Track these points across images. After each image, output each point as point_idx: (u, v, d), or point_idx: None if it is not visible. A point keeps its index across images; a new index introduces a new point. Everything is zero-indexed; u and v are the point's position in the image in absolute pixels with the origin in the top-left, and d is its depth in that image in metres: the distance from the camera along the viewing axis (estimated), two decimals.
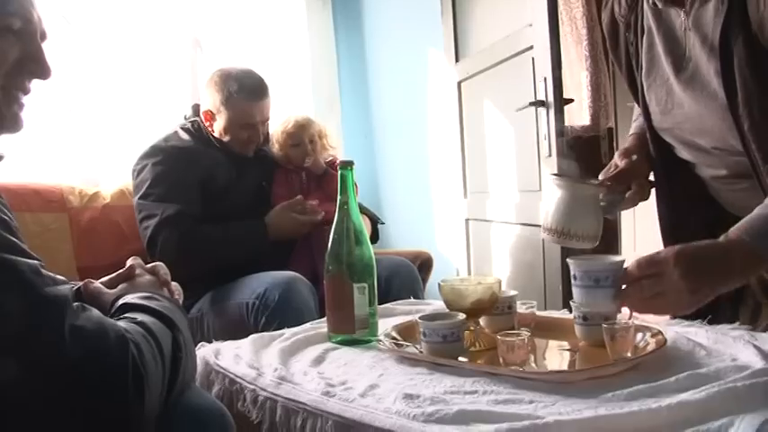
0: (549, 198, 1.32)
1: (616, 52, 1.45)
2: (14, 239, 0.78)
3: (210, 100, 2.27)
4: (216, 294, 2.11)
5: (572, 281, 1.16)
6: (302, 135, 2.35)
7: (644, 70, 1.37)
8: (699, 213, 1.40)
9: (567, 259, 1.18)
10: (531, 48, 2.32)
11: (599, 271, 1.12)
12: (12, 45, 0.89)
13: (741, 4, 1.10)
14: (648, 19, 1.32)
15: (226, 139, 2.26)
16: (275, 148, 2.38)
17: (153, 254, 2.05)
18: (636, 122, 1.54)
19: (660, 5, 1.26)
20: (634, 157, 1.41)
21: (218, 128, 2.27)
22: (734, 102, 1.14)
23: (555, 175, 1.33)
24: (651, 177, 1.46)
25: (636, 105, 1.50)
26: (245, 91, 2.23)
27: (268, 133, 2.36)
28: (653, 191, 1.44)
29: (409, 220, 3.34)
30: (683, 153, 1.36)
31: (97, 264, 2.28)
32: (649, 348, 1.12)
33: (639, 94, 1.41)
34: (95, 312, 0.81)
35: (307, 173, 2.35)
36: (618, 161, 1.42)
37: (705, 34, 1.19)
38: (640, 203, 1.43)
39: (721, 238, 1.05)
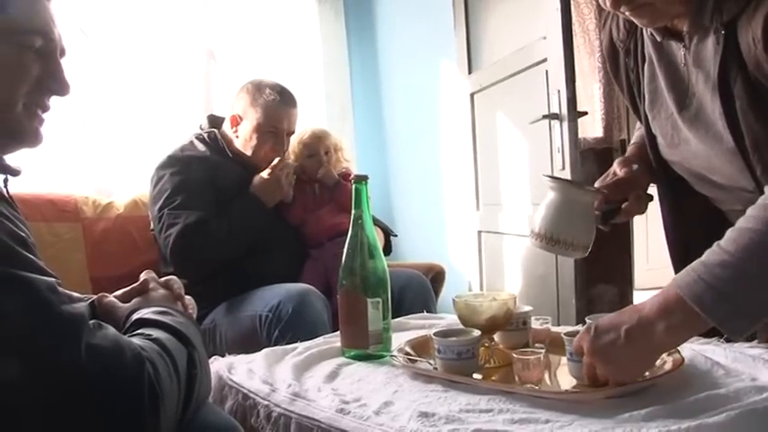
0: (542, 202, 1.27)
1: (617, 77, 1.38)
2: (31, 256, 0.78)
3: (240, 104, 2.30)
4: (229, 305, 2.11)
5: None
6: (318, 146, 2.38)
7: (647, 101, 1.30)
8: (712, 228, 1.34)
9: (562, 335, 1.16)
10: (545, 60, 2.32)
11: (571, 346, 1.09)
12: (33, 62, 0.89)
13: (736, 42, 1.04)
14: (648, 47, 1.25)
15: (251, 144, 2.27)
16: (290, 158, 2.40)
17: (175, 262, 2.07)
18: (639, 132, 1.47)
19: (659, 38, 1.20)
20: (635, 166, 1.33)
21: (243, 132, 2.28)
22: (742, 145, 1.08)
23: (549, 176, 1.27)
24: (650, 191, 1.39)
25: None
26: (276, 95, 2.27)
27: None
28: (650, 205, 1.37)
29: (421, 231, 3.33)
30: (696, 186, 1.29)
31: (110, 274, 2.30)
32: (666, 367, 1.10)
33: (644, 122, 1.34)
34: (111, 330, 0.81)
35: (320, 184, 2.36)
36: (617, 169, 1.35)
37: (707, 71, 1.12)
38: (652, 218, 1.39)
39: (659, 293, 0.98)
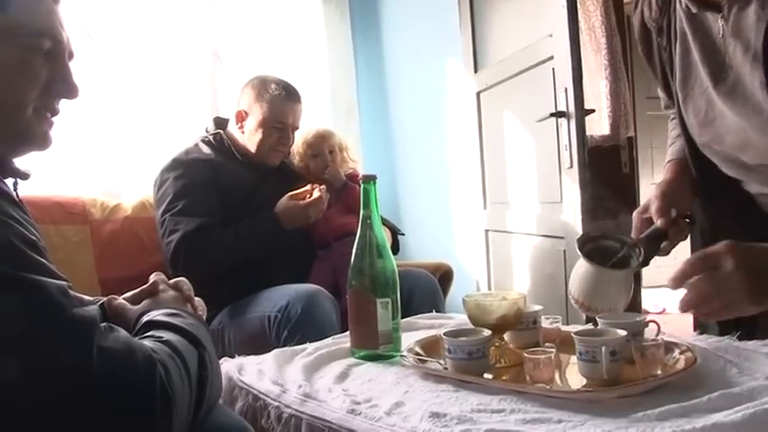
0: (578, 267, 1.28)
1: (650, 59, 1.34)
2: (42, 260, 0.78)
3: (246, 99, 2.30)
4: (237, 307, 2.12)
5: None
6: (322, 145, 2.39)
7: (679, 78, 1.26)
8: (747, 231, 1.26)
9: (573, 334, 1.14)
10: (552, 58, 2.31)
11: (582, 345, 1.09)
12: (41, 66, 0.89)
13: None
14: (682, 22, 1.22)
15: (256, 139, 2.27)
16: (296, 159, 2.40)
17: (175, 268, 2.06)
18: (672, 146, 1.43)
19: (694, 10, 1.15)
20: (673, 212, 1.28)
21: (248, 127, 2.28)
22: None
23: (585, 257, 1.26)
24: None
25: (670, 123, 1.43)
26: (282, 90, 2.29)
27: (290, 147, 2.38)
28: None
29: (429, 231, 3.33)
30: (726, 169, 1.27)
31: (118, 276, 2.29)
32: (679, 366, 1.10)
33: (676, 104, 1.30)
34: (123, 333, 0.81)
35: (327, 185, 2.35)
36: (655, 216, 1.30)
37: (747, 41, 1.08)
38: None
39: None
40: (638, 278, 2.98)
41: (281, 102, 2.27)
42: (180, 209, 2.12)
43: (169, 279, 1.16)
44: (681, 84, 1.26)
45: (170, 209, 2.13)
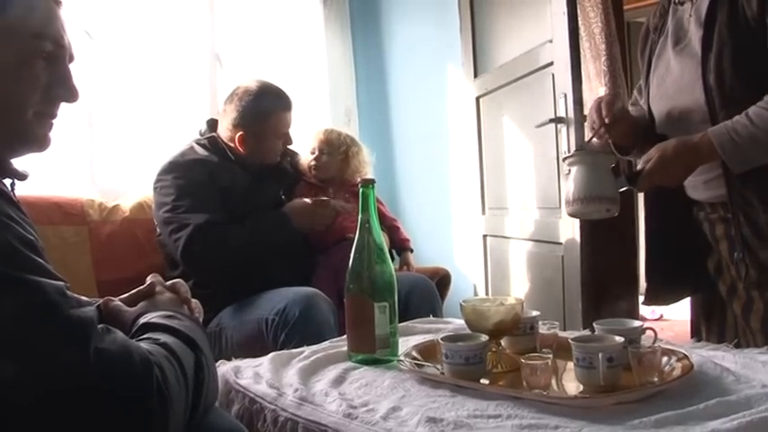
0: (568, 179, 1.52)
1: (642, 53, 1.72)
2: (40, 260, 0.78)
3: (242, 119, 2.27)
4: (236, 309, 2.11)
5: None
6: (313, 146, 2.41)
7: (656, 55, 1.64)
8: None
9: (570, 340, 1.16)
10: (551, 64, 2.32)
11: (579, 352, 1.11)
12: (42, 69, 0.89)
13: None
14: (669, 20, 1.61)
15: (260, 152, 2.29)
16: (301, 159, 2.41)
17: (188, 263, 2.08)
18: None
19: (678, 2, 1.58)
20: (618, 104, 1.64)
21: (250, 145, 2.27)
22: (707, 55, 1.42)
23: (567, 156, 1.54)
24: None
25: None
26: (278, 106, 2.29)
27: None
28: None
29: (427, 235, 3.32)
30: (663, 128, 1.59)
31: (116, 277, 2.28)
32: (676, 373, 1.10)
33: (646, 80, 1.68)
34: (120, 335, 0.81)
35: (334, 189, 2.35)
36: (606, 115, 1.58)
37: (699, 15, 1.48)
38: None
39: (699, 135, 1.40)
40: (635, 285, 2.98)
41: (279, 116, 2.28)
42: (186, 207, 2.11)
43: (172, 278, 1.16)
44: (655, 59, 1.64)
45: (176, 207, 2.12)
